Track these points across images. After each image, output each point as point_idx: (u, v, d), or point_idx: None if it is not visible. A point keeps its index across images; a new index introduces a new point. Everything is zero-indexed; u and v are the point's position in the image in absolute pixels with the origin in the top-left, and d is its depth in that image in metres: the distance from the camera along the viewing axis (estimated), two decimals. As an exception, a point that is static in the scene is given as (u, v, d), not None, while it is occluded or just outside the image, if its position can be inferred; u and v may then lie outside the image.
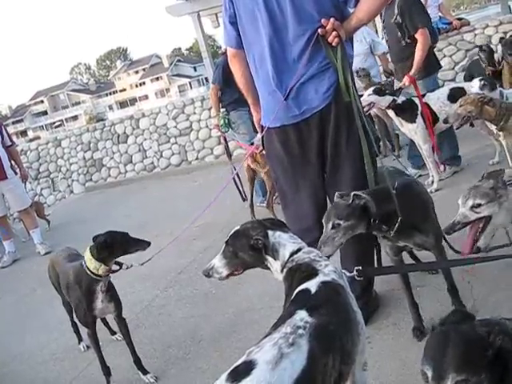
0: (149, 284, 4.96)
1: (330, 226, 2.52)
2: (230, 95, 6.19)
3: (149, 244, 3.33)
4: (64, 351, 4.24)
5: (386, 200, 2.67)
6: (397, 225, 2.60)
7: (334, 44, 2.79)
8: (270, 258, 2.10)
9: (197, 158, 10.79)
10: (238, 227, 2.24)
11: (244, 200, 6.19)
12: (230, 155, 6.73)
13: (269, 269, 2.16)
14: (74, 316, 3.75)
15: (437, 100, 5.28)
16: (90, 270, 3.16)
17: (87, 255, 3.18)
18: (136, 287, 4.99)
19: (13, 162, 7.34)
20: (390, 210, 2.63)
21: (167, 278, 5.04)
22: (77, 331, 4.09)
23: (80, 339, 4.12)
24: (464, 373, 1.39)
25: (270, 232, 2.11)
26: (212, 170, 9.46)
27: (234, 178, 6.05)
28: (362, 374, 2.06)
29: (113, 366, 3.51)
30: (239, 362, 1.62)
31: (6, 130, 7.48)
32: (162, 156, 11.12)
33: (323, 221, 2.59)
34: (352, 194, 2.57)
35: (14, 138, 8.93)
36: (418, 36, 5.27)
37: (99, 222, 8.30)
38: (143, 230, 6.99)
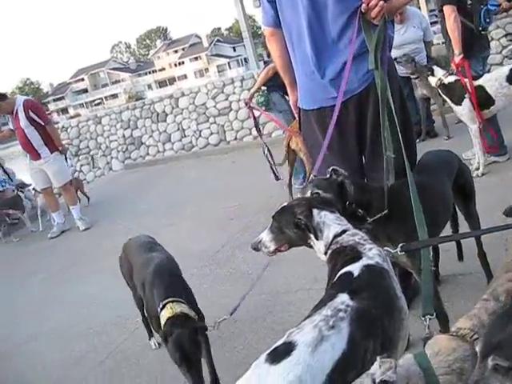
0: (186, 262, 4.98)
1: (308, 195, 2.49)
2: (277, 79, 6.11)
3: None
4: (101, 325, 4.31)
5: (368, 191, 2.63)
6: (375, 217, 2.55)
7: (375, 21, 2.70)
8: (313, 238, 2.07)
9: (235, 138, 10.76)
10: (286, 203, 2.23)
11: (277, 179, 6.10)
12: (259, 131, 6.65)
13: (312, 248, 2.13)
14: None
15: (494, 81, 5.02)
16: None
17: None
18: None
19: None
20: (369, 200, 2.59)
21: (204, 257, 5.05)
22: (147, 326, 3.71)
23: (151, 335, 3.76)
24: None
25: (315, 211, 2.08)
26: (250, 151, 9.44)
27: (267, 157, 6.01)
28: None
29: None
30: (279, 342, 1.60)
31: (40, 109, 7.51)
32: (200, 135, 11.14)
33: (300, 193, 2.56)
34: (331, 168, 2.56)
35: (55, 116, 8.85)
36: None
37: (137, 199, 8.40)
38: (180, 208, 7.06)
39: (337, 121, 2.89)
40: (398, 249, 2.19)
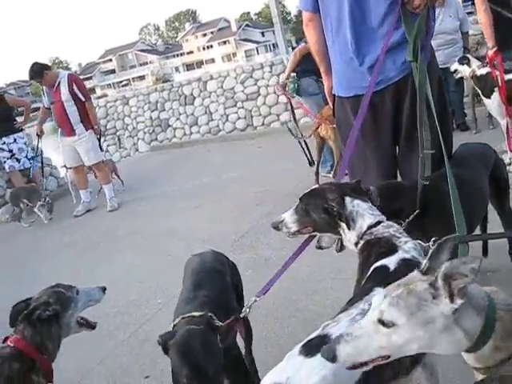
0: (209, 246, 4.95)
1: None
2: (309, 63, 6.03)
3: None
4: (124, 305, 4.31)
5: (397, 196, 2.53)
6: (408, 219, 2.43)
7: (418, 10, 2.63)
8: (344, 226, 2.02)
9: (262, 124, 10.71)
10: (316, 186, 2.19)
11: (311, 165, 6.08)
12: (295, 119, 6.60)
13: (340, 235, 2.08)
14: None
15: None
16: None
17: None
18: (197, 250, 4.99)
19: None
20: (398, 207, 2.48)
21: (227, 241, 5.03)
22: None
23: None
24: None
25: (348, 199, 2.02)
26: (277, 137, 9.37)
27: (300, 144, 5.98)
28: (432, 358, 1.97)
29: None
30: (313, 335, 1.56)
31: (83, 85, 7.51)
32: (227, 120, 11.11)
33: None
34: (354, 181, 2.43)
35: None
36: None
37: (162, 181, 8.41)
38: (205, 192, 7.05)
39: (372, 109, 2.84)
40: (431, 243, 2.14)
